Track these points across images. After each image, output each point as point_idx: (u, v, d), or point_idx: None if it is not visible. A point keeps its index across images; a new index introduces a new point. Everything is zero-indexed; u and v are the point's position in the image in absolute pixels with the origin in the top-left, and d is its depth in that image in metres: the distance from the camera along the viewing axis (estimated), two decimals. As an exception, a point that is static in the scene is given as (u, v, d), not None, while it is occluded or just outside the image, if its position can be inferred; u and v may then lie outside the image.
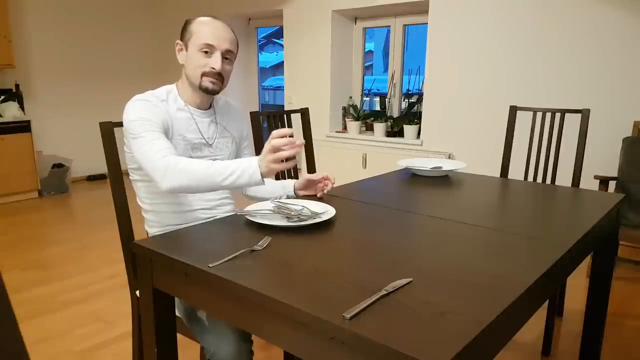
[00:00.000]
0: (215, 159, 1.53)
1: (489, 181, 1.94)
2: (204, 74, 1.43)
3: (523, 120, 2.92)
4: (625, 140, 2.77)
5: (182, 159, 1.31)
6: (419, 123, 3.94)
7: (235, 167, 1.28)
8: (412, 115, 4.11)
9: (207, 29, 1.41)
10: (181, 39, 1.46)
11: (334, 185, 1.67)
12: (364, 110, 4.50)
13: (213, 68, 1.42)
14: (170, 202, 1.47)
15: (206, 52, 1.41)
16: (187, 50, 1.44)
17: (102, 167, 5.57)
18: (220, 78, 1.45)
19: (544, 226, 1.34)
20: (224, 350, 1.24)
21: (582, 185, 2.48)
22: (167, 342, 1.25)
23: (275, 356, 2.05)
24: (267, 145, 1.26)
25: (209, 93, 1.46)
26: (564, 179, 2.92)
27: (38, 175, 4.66)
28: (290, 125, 2.23)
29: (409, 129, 3.97)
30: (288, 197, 1.64)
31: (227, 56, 1.45)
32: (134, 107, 1.38)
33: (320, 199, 1.57)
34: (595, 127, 3.07)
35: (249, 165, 1.28)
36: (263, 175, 1.28)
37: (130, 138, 1.36)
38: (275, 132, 1.26)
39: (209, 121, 1.53)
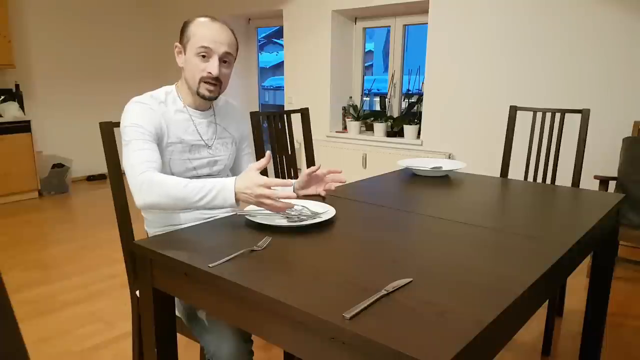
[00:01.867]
0: (214, 161, 1.53)
1: (489, 181, 1.94)
2: (201, 80, 1.41)
3: (523, 120, 2.92)
4: (625, 140, 2.77)
5: (159, 176, 1.28)
6: (419, 123, 3.94)
7: (211, 187, 1.25)
8: (412, 115, 4.11)
9: (204, 32, 1.39)
10: (180, 42, 1.44)
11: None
12: (364, 110, 4.50)
13: (210, 73, 1.40)
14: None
15: (203, 56, 1.39)
16: (185, 54, 1.42)
17: (102, 167, 5.58)
18: (219, 83, 1.43)
19: (544, 226, 1.34)
20: (224, 350, 1.24)
21: (582, 185, 2.48)
22: (167, 342, 1.25)
23: (275, 356, 2.05)
24: (258, 179, 1.23)
25: (206, 99, 1.45)
26: (564, 179, 2.92)
27: (38, 175, 4.66)
28: (290, 125, 2.23)
29: (409, 129, 3.97)
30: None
31: (226, 59, 1.43)
32: (130, 111, 1.38)
33: (323, 199, 1.55)
34: (595, 127, 3.07)
35: (224, 187, 1.25)
36: (237, 200, 1.26)
37: (123, 144, 1.36)
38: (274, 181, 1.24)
39: (208, 122, 1.52)
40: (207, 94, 1.43)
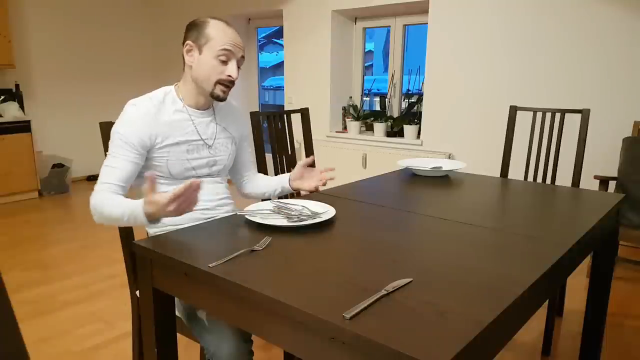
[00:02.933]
0: (214, 161, 1.53)
1: (489, 181, 1.94)
2: (219, 82, 1.42)
3: (523, 120, 2.92)
4: (625, 140, 2.77)
5: (101, 203, 1.30)
6: (419, 123, 3.94)
7: (129, 214, 1.26)
8: (412, 115, 4.11)
9: (224, 36, 1.40)
10: (193, 41, 1.41)
11: (331, 183, 1.66)
12: (364, 110, 4.50)
13: (230, 76, 1.42)
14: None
15: (223, 59, 1.40)
16: (200, 54, 1.41)
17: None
18: (232, 85, 1.46)
19: (544, 226, 1.34)
20: (224, 350, 1.24)
21: (582, 185, 2.48)
22: (167, 342, 1.25)
23: (275, 356, 2.05)
24: (163, 201, 1.17)
25: (219, 100, 1.47)
26: (564, 179, 2.92)
27: (38, 175, 4.67)
28: (290, 125, 2.23)
29: (409, 129, 3.97)
30: (283, 189, 1.67)
31: (239, 64, 1.46)
32: (124, 115, 1.39)
33: (316, 191, 1.57)
34: (595, 127, 3.07)
35: (137, 215, 1.24)
36: (150, 218, 1.23)
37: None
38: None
39: (208, 121, 1.52)
40: (221, 95, 1.45)
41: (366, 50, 4.55)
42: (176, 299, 1.32)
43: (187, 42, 1.42)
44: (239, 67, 1.45)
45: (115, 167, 1.37)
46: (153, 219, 1.23)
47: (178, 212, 1.20)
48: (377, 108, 4.50)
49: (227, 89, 1.45)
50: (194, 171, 1.48)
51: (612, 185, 2.74)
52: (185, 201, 1.19)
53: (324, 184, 1.62)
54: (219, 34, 1.39)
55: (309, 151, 2.33)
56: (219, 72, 1.41)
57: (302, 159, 1.68)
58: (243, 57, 1.46)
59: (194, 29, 1.42)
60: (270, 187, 1.69)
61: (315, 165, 1.69)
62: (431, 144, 3.84)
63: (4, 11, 4.44)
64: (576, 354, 2.07)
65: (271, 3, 4.65)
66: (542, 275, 1.01)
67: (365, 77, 4.57)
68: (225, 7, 5.02)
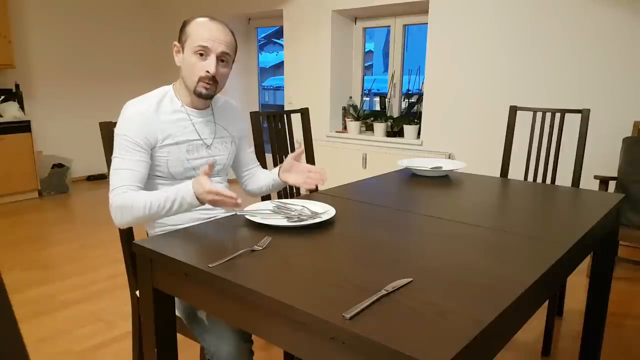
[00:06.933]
0: (214, 160, 1.52)
1: (489, 181, 1.94)
2: (199, 79, 1.40)
3: (523, 120, 2.92)
4: (625, 140, 2.77)
5: (128, 200, 1.32)
6: (419, 123, 3.94)
7: (174, 197, 1.31)
8: (412, 115, 4.11)
9: (203, 31, 1.38)
10: (178, 41, 1.44)
11: (331, 183, 1.65)
12: (364, 110, 4.50)
13: (207, 72, 1.39)
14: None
15: (201, 54, 1.39)
16: (183, 53, 1.42)
17: (102, 167, 5.57)
18: (215, 82, 1.42)
19: (544, 226, 1.34)
20: (224, 350, 1.24)
21: (582, 185, 2.48)
22: (167, 342, 1.25)
23: (275, 356, 2.05)
24: (206, 186, 1.27)
25: (202, 98, 1.45)
26: (564, 179, 2.92)
27: (38, 175, 4.66)
28: (290, 125, 2.23)
29: (409, 129, 3.97)
30: (274, 181, 1.65)
31: (223, 58, 1.42)
32: (125, 117, 1.39)
33: (310, 190, 1.55)
34: (595, 127, 3.07)
35: (187, 194, 1.31)
36: (201, 201, 1.31)
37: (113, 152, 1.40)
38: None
39: (206, 121, 1.52)
40: (203, 91, 1.42)
41: (366, 50, 4.55)
42: (176, 299, 1.32)
43: (174, 43, 1.45)
44: (222, 61, 1.42)
45: (128, 169, 1.37)
46: (199, 199, 1.31)
47: (212, 204, 1.29)
48: (377, 108, 4.50)
49: (209, 86, 1.42)
50: (194, 171, 1.48)
51: (612, 185, 2.74)
52: (220, 201, 1.26)
53: (315, 188, 1.59)
54: (197, 30, 1.39)
55: (309, 151, 2.33)
56: (198, 68, 1.40)
57: (302, 160, 1.67)
58: (227, 53, 1.42)
59: (180, 30, 1.43)
60: (267, 179, 1.69)
61: (316, 163, 1.68)
62: (431, 144, 3.84)
63: (4, 11, 4.44)
64: (576, 354, 2.07)
65: (271, 3, 4.65)
66: (542, 275, 1.01)
67: (365, 77, 4.58)
68: (225, 7, 5.02)
